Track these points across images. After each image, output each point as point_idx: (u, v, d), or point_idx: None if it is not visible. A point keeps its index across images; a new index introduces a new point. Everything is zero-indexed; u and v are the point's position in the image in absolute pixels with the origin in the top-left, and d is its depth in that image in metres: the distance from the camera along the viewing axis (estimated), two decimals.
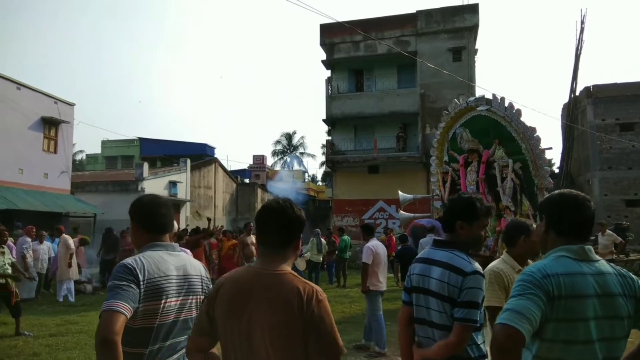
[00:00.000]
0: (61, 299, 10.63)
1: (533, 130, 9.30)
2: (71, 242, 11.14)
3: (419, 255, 2.57)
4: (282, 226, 1.79)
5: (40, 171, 18.02)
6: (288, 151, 50.98)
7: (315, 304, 1.67)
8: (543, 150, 9.36)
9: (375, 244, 6.65)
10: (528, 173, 9.34)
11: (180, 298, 2.06)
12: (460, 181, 10.47)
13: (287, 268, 1.77)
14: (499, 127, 9.65)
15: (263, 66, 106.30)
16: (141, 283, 1.91)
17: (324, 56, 25.93)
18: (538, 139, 9.28)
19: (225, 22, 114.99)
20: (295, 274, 1.78)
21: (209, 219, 13.30)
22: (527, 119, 11.62)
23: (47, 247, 11.12)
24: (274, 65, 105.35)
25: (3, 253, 7.27)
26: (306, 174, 52.81)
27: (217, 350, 1.84)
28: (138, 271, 1.93)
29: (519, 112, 9.47)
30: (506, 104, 9.59)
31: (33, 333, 7.36)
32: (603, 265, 1.81)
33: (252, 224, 12.47)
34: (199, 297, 2.15)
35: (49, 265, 11.36)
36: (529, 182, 9.25)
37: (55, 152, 18.90)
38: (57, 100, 18.98)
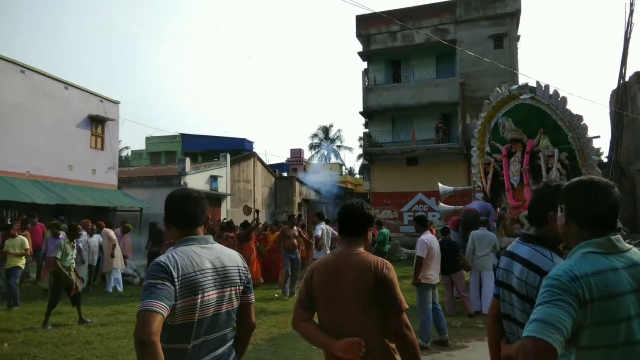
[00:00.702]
0: (110, 290, 11.10)
1: (580, 118, 8.96)
2: (112, 233, 11.59)
3: (507, 248, 2.40)
4: (357, 221, 2.44)
5: (89, 167, 18.80)
6: (325, 144, 51.08)
7: (385, 270, 2.26)
8: (590, 139, 9.01)
9: (429, 237, 6.56)
10: (575, 163, 9.02)
11: (219, 291, 2.04)
12: (503, 172, 10.22)
13: (361, 249, 2.39)
14: (544, 115, 9.34)
15: (299, 60, 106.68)
16: (176, 280, 1.89)
17: (360, 48, 25.74)
18: (585, 127, 8.94)
19: (262, 17, 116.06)
20: (366, 252, 2.38)
21: (257, 211, 13.55)
22: (573, 106, 11.21)
23: (97, 240, 11.61)
24: (310, 59, 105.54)
25: (73, 247, 8.03)
26: (343, 167, 52.80)
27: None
28: (171, 268, 1.90)
29: (564, 99, 9.14)
30: (551, 92, 9.27)
31: (94, 319, 7.80)
32: (635, 254, 1.66)
33: (295, 217, 12.57)
34: (237, 287, 2.12)
35: (99, 256, 11.89)
36: (576, 173, 8.92)
37: (102, 148, 19.66)
38: (102, 98, 19.71)
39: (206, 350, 1.99)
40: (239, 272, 2.15)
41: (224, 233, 13.34)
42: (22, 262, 9.40)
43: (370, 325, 2.23)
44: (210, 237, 2.18)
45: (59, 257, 7.63)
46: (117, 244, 11.57)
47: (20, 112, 15.63)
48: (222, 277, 2.06)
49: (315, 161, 48.53)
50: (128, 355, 5.77)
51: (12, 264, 9.10)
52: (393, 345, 2.28)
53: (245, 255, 11.84)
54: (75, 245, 8.26)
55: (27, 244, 9.58)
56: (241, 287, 2.15)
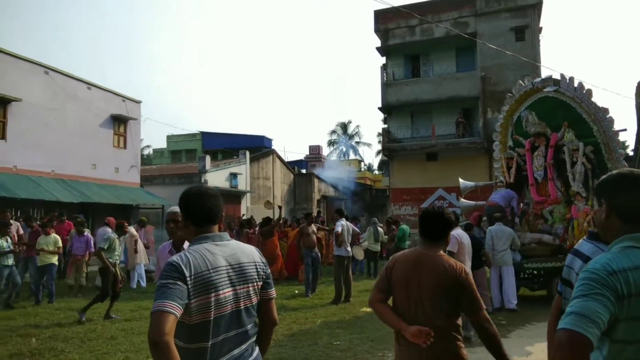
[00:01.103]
0: (134, 286, 11.29)
1: (605, 111, 8.74)
2: (133, 230, 11.75)
3: (574, 246, 2.37)
4: (438, 225, 2.69)
5: (112, 166, 19.13)
6: (343, 140, 50.96)
7: (464, 274, 2.56)
8: (617, 132, 8.79)
9: (460, 232, 6.48)
10: (600, 156, 8.81)
11: (235, 288, 2.01)
12: (526, 166, 10.03)
13: (441, 252, 2.67)
14: (568, 108, 9.14)
15: (317, 57, 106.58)
16: (188, 279, 1.87)
17: (378, 43, 25.57)
18: (611, 120, 8.72)
19: (281, 14, 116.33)
20: (447, 255, 2.65)
21: (279, 207, 13.61)
22: (598, 99, 10.93)
23: (122, 238, 11.81)
24: (328, 56, 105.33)
25: (120, 244, 8.43)
26: (362, 163, 52.63)
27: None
28: (183, 267, 1.88)
29: (589, 92, 8.92)
30: (575, 84, 9.06)
31: (119, 315, 7.96)
32: None
33: (313, 214, 12.57)
34: (255, 283, 2.09)
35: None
36: (602, 166, 8.73)
37: (124, 147, 19.98)
38: (124, 98, 20.01)
39: (227, 348, 1.97)
40: (257, 268, 2.12)
41: (244, 230, 13.45)
42: (55, 259, 9.60)
43: (440, 318, 2.52)
44: (225, 234, 2.15)
45: (105, 247, 7.87)
46: (138, 240, 11.75)
47: (45, 113, 15.98)
48: (238, 274, 2.03)
49: (334, 157, 48.50)
50: None
51: (46, 261, 9.29)
52: (460, 341, 2.63)
53: (269, 250, 11.94)
54: (122, 241, 8.59)
55: (60, 242, 9.78)
56: (260, 283, 2.12)
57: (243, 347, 2.04)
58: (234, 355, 1.99)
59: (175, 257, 1.94)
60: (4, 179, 14.00)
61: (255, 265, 2.13)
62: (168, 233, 3.40)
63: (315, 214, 25.17)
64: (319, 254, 10.78)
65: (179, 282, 1.85)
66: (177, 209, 2.96)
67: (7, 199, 13.32)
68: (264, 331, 2.21)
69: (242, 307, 2.03)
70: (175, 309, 1.79)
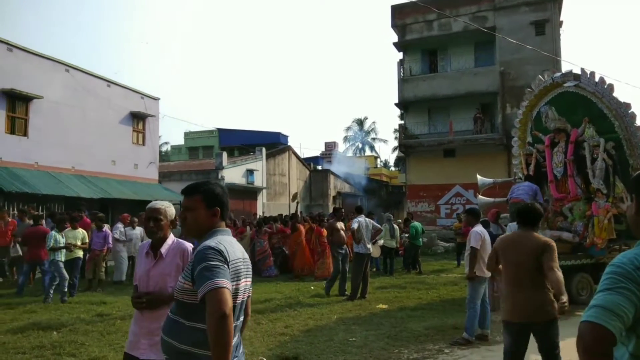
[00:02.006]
0: None
1: (627, 106, 8.54)
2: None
3: None
4: (531, 216, 3.98)
5: (131, 162, 19.41)
6: (359, 135, 50.81)
7: (548, 245, 3.76)
8: (639, 128, 8.57)
9: (482, 229, 6.41)
10: (622, 153, 8.61)
11: (247, 280, 2.18)
12: (545, 163, 9.86)
13: (534, 233, 3.93)
14: (589, 103, 8.95)
15: (333, 53, 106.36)
16: (229, 264, 2.01)
17: (395, 38, 25.39)
18: (633, 116, 8.51)
19: (297, 9, 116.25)
20: (539, 234, 3.95)
21: (297, 202, 13.61)
22: (620, 94, 10.67)
23: (139, 232, 11.98)
24: (345, 52, 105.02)
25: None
26: (378, 160, 52.42)
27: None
28: (225, 253, 2.01)
29: (611, 87, 8.72)
30: (596, 79, 8.86)
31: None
32: None
33: (343, 210, 12.41)
34: (250, 279, 2.23)
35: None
36: (623, 163, 8.53)
37: (143, 144, 20.25)
38: (143, 95, 20.26)
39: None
40: (250, 265, 2.29)
41: (263, 229, 13.53)
42: (81, 254, 9.75)
43: (536, 274, 3.76)
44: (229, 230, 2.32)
45: None
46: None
47: (65, 110, 16.27)
48: (247, 267, 2.21)
49: (349, 154, 48.40)
50: None
51: (73, 255, 9.41)
52: (548, 289, 3.74)
53: (293, 246, 12.18)
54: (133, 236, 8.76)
55: (87, 237, 9.94)
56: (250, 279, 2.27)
57: (237, 337, 2.13)
58: (235, 344, 2.07)
59: (213, 244, 2.04)
60: (26, 175, 14.31)
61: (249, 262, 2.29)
62: (146, 233, 3.00)
63: (331, 210, 25.23)
64: (348, 251, 10.51)
65: (224, 265, 1.99)
66: (160, 205, 2.88)
67: (29, 194, 13.63)
68: (243, 325, 2.32)
69: (245, 299, 2.20)
70: (230, 286, 1.94)
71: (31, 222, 10.63)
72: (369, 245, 9.64)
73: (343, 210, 12.27)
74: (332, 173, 32.21)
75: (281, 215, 16.36)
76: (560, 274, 3.65)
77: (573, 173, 9.16)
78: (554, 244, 3.81)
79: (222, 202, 2.25)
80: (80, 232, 9.67)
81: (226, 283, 1.91)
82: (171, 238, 2.83)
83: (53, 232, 8.85)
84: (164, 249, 2.77)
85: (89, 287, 10.38)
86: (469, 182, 20.42)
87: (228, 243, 2.11)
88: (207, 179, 21.12)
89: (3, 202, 13.29)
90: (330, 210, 25.46)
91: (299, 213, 14.52)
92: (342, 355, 5.54)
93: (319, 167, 35.69)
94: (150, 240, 2.87)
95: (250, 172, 23.81)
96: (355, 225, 9.41)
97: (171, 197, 20.17)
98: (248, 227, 14.19)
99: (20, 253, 10.49)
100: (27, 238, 9.61)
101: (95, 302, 8.71)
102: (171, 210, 2.89)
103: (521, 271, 3.81)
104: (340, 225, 10.45)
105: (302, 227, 13.23)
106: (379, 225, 10.74)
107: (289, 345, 5.93)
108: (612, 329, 1.39)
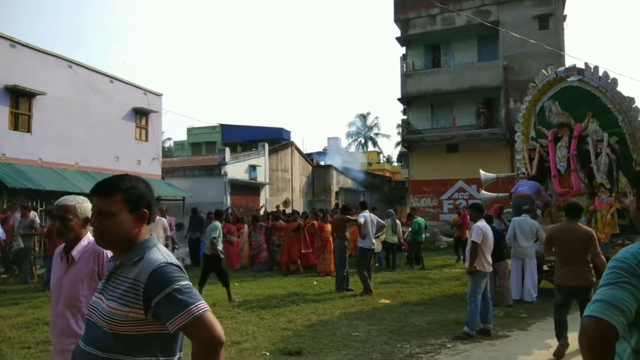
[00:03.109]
0: None
1: (631, 100, 8.51)
2: (165, 221, 11.84)
3: None
4: (575, 210, 5.58)
5: (134, 158, 19.44)
6: (361, 130, 50.74)
7: (592, 235, 5.44)
8: None
9: (484, 224, 6.41)
10: (625, 147, 8.58)
11: None
12: (548, 158, 9.84)
13: (579, 223, 5.59)
14: (593, 98, 8.91)
15: (336, 48, 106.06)
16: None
17: (398, 33, 25.29)
18: (637, 110, 8.48)
19: (299, 3, 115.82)
20: (583, 224, 5.82)
21: (287, 201, 13.64)
22: (624, 88, 10.62)
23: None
24: (347, 47, 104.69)
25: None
26: (381, 155, 52.36)
27: None
28: (183, 269, 1.71)
29: (614, 81, 8.68)
30: (600, 73, 8.82)
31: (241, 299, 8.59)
32: None
33: (332, 206, 12.44)
34: None
35: None
36: (627, 158, 8.51)
37: (146, 140, 20.26)
38: (146, 91, 20.26)
39: None
40: None
41: (258, 223, 13.63)
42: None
43: (583, 256, 5.33)
44: None
45: (217, 235, 8.62)
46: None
47: (69, 106, 16.29)
48: None
49: (352, 149, 48.33)
50: None
51: None
52: (590, 265, 5.30)
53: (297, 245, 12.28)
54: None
55: None
56: None
57: None
58: None
59: (167, 258, 1.68)
60: (30, 171, 14.36)
61: None
62: (57, 234, 2.68)
63: (333, 206, 25.23)
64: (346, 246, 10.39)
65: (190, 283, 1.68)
66: (69, 201, 2.51)
67: (33, 190, 13.68)
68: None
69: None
70: None
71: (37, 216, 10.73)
72: (374, 240, 9.66)
73: (349, 207, 12.21)
74: (335, 169, 32.19)
75: (280, 209, 16.40)
76: (603, 258, 5.25)
77: (576, 168, 9.14)
78: (594, 233, 5.54)
79: (149, 202, 1.83)
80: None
81: (207, 305, 1.60)
82: (86, 239, 2.48)
83: None
84: (75, 252, 2.43)
85: None
86: (471, 178, 20.39)
87: (172, 256, 1.74)
88: (210, 175, 21.26)
89: (7, 198, 13.36)
90: (333, 205, 25.48)
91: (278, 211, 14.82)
92: (344, 349, 5.56)
93: (322, 163, 35.66)
94: (63, 245, 2.54)
95: (253, 167, 23.82)
96: (362, 220, 9.40)
97: (174, 193, 20.25)
98: (245, 225, 14.17)
99: (22, 246, 10.59)
100: (50, 232, 9.69)
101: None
102: (84, 207, 2.51)
103: (572, 251, 5.37)
104: (346, 220, 10.34)
105: (285, 224, 13.33)
106: (382, 222, 10.71)
107: (292, 340, 5.95)
108: (615, 324, 1.39)
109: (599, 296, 1.47)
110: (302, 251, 12.79)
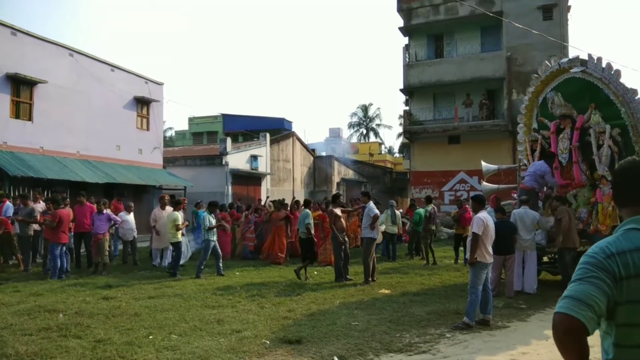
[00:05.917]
0: (156, 264, 11.53)
1: (634, 92, 8.46)
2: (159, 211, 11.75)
3: None
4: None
5: (135, 147, 19.43)
6: (364, 123, 50.64)
7: None
8: None
9: (485, 215, 6.39)
10: (628, 139, 8.56)
11: None
12: (550, 149, 9.81)
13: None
14: (595, 90, 8.86)
15: (338, 38, 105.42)
16: None
17: (401, 23, 25.10)
18: None
19: None
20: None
21: (267, 197, 13.59)
22: (627, 80, 10.55)
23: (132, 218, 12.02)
24: (349, 37, 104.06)
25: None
26: (383, 146, 52.28)
27: None
28: None
29: (618, 72, 8.62)
30: (603, 65, 8.76)
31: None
32: None
33: (340, 195, 12.39)
34: None
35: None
36: (629, 149, 8.48)
37: (147, 129, 20.24)
38: (147, 80, 20.19)
39: None
40: None
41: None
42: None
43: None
44: None
45: (309, 222, 9.61)
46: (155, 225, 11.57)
47: (70, 94, 16.25)
48: None
49: (354, 140, 48.27)
50: (174, 326, 6.01)
51: None
52: None
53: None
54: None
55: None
56: None
57: None
58: None
59: None
60: (32, 159, 14.37)
61: None
62: None
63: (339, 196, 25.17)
64: (347, 238, 10.21)
65: None
66: None
67: (35, 179, 13.69)
68: None
69: None
70: None
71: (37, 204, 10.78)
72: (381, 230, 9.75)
73: (341, 195, 12.19)
74: (337, 159, 32.15)
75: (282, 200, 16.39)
76: None
77: (578, 159, 9.12)
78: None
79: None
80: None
81: None
82: None
83: None
84: None
85: (94, 270, 10.48)
86: (473, 169, 20.35)
87: None
88: (211, 165, 21.26)
89: (9, 186, 13.38)
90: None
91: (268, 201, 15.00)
92: (344, 339, 5.59)
93: (323, 154, 35.59)
94: None
95: (254, 157, 23.81)
96: (377, 212, 9.57)
97: (175, 182, 20.27)
98: (243, 213, 14.11)
99: (18, 231, 10.68)
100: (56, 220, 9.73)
101: (101, 285, 8.81)
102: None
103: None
104: (339, 211, 10.14)
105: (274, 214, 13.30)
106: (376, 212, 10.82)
107: (292, 328, 5.98)
108: (582, 319, 1.43)
109: (568, 292, 1.51)
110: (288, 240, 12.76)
